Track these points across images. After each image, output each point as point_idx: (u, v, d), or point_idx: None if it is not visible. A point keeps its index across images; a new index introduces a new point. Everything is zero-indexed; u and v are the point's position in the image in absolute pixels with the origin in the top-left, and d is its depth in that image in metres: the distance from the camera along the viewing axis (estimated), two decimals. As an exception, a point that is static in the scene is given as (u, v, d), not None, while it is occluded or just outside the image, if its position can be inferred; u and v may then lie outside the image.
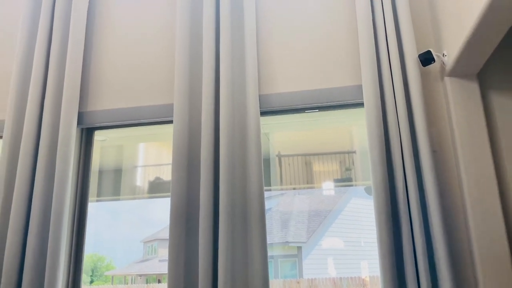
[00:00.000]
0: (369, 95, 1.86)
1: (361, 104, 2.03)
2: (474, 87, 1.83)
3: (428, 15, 2.04)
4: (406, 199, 1.77)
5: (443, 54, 1.84)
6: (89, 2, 2.39)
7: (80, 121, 2.21)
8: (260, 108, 2.04)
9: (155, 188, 2.49)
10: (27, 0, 2.35)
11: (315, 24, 2.14)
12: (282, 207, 2.91)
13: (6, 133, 2.15)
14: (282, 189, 2.61)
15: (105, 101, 2.22)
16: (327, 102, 2.01)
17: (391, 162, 1.83)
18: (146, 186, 2.50)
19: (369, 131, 1.84)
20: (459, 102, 1.82)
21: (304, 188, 2.55)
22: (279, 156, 2.62)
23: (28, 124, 2.12)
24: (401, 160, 1.81)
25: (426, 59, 1.84)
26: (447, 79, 1.86)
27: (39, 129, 2.14)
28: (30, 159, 2.09)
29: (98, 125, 2.21)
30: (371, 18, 1.97)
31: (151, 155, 2.60)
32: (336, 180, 2.55)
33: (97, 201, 2.47)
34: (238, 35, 2.10)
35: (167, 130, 2.29)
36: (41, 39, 2.24)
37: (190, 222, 1.92)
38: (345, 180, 2.57)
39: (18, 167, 2.07)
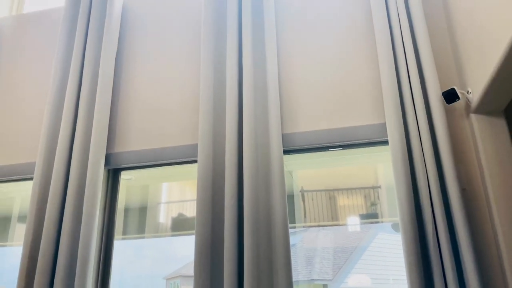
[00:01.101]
0: (394, 133, 1.85)
1: (385, 142, 2.01)
2: (501, 124, 1.80)
3: (450, 51, 2.04)
4: (436, 238, 1.72)
5: (468, 91, 1.83)
6: (118, 49, 2.49)
7: (107, 162, 2.26)
8: (283, 146, 2.05)
9: (179, 225, 2.50)
10: (59, 46, 2.47)
11: (336, 62, 2.16)
12: (306, 243, 2.87)
13: (37, 174, 2.22)
14: (306, 227, 2.58)
15: (132, 143, 2.27)
16: (351, 141, 2.00)
17: (419, 201, 1.80)
18: (170, 223, 2.51)
19: (395, 169, 1.82)
20: (487, 139, 1.78)
21: (329, 225, 2.51)
22: (302, 192, 2.60)
23: (57, 165, 2.18)
24: (429, 198, 1.77)
25: (450, 96, 1.82)
26: (473, 116, 1.83)
27: (68, 170, 2.20)
28: (58, 199, 2.14)
29: (124, 166, 2.25)
30: (393, 56, 1.98)
31: (175, 192, 2.63)
32: (362, 216, 2.50)
33: (123, 239, 2.49)
34: (260, 75, 2.14)
35: (192, 170, 2.32)
36: (72, 84, 2.33)
37: (215, 261, 1.91)
38: (370, 216, 2.52)
39: (47, 207, 2.12)
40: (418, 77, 1.91)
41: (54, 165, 2.19)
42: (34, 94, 2.56)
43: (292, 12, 2.34)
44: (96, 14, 2.50)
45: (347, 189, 2.56)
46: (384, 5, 2.10)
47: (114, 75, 2.42)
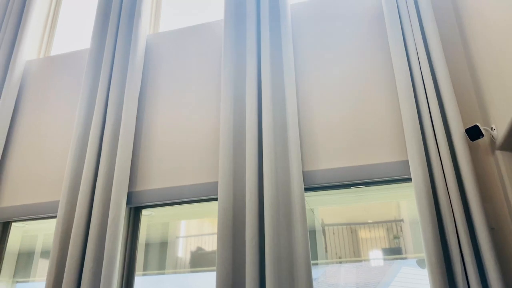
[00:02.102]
0: (417, 171, 1.82)
1: (408, 179, 1.98)
2: (528, 161, 1.76)
3: (472, 87, 2.02)
4: (466, 279, 1.67)
5: (492, 127, 1.80)
6: (140, 89, 2.55)
7: (129, 200, 2.28)
8: (304, 184, 2.03)
9: (199, 260, 2.48)
10: (84, 87, 2.55)
11: (356, 98, 2.16)
12: (328, 277, 2.81)
13: (60, 213, 2.25)
14: (328, 263, 2.53)
15: (153, 181, 2.29)
16: (373, 178, 1.98)
17: (446, 240, 1.75)
18: (190, 258, 2.50)
19: (419, 208, 1.78)
20: (514, 176, 1.74)
21: (351, 261, 2.46)
22: (323, 225, 2.56)
23: (80, 204, 2.21)
24: (456, 237, 1.73)
25: (474, 133, 1.79)
26: (498, 153, 1.80)
27: (90, 209, 2.23)
28: (81, 237, 2.16)
29: (146, 204, 2.27)
30: (413, 94, 1.97)
31: (195, 227, 2.62)
32: (385, 251, 2.45)
33: (143, 275, 2.48)
34: (279, 113, 2.15)
35: (212, 207, 2.32)
36: (96, 124, 2.39)
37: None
38: (394, 251, 2.46)
39: (70, 245, 2.14)
40: (439, 114, 1.89)
41: (77, 204, 2.22)
42: (58, 133, 2.63)
43: (310, 51, 2.36)
44: (120, 56, 2.57)
45: (369, 223, 2.52)
46: (402, 42, 2.10)
47: (137, 114, 2.47)
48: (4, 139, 2.65)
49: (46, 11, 3.30)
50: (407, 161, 1.95)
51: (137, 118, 2.47)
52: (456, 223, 1.74)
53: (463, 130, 1.83)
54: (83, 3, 3.37)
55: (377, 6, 2.35)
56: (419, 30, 2.10)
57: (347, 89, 2.19)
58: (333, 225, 2.53)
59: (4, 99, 2.71)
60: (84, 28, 3.23)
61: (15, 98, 2.76)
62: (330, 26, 2.38)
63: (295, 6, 2.51)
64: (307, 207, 2.18)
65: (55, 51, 3.21)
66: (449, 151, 1.82)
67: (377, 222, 2.48)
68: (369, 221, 2.53)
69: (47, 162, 2.56)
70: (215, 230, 2.35)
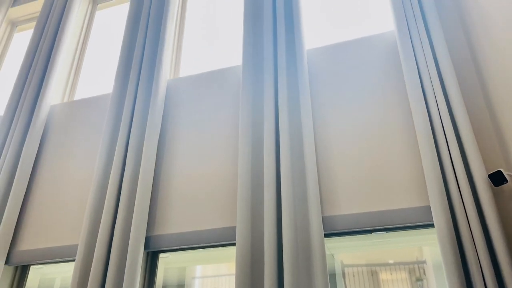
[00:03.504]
0: (440, 217, 1.78)
1: (431, 225, 1.93)
2: (556, 207, 1.70)
3: (492, 132, 1.99)
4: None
5: (516, 173, 1.76)
6: (160, 133, 2.60)
7: (146, 245, 2.27)
8: (324, 230, 2.00)
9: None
10: (105, 131, 2.61)
11: (374, 143, 2.16)
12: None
13: (78, 257, 2.25)
14: (349, 310, 2.45)
15: (171, 225, 2.29)
16: (394, 224, 1.94)
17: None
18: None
19: (443, 255, 1.73)
20: (542, 224, 1.68)
21: (372, 308, 2.37)
22: (343, 267, 2.50)
23: (99, 248, 2.21)
24: (483, 285, 1.66)
25: (497, 178, 1.76)
26: (524, 199, 1.75)
27: (108, 253, 2.23)
28: (99, 281, 2.15)
29: (164, 249, 2.26)
30: (432, 137, 1.96)
31: (212, 271, 2.59)
32: (409, 297, 2.36)
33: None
34: (298, 158, 2.15)
35: (231, 253, 2.29)
36: (116, 169, 2.43)
37: None
38: (417, 294, 2.38)
39: (87, 290, 2.13)
40: (461, 159, 1.86)
41: (96, 248, 2.22)
42: (79, 178, 2.67)
43: (327, 95, 2.38)
44: (141, 101, 2.64)
45: (390, 264, 2.45)
46: (420, 85, 2.11)
47: (156, 159, 2.50)
48: (26, 183, 2.70)
49: (72, 56, 3.45)
50: (429, 206, 1.91)
51: (156, 162, 2.51)
52: (483, 272, 1.68)
53: (486, 175, 1.79)
54: (107, 50, 3.51)
55: (392, 47, 2.38)
56: (436, 72, 2.10)
57: (365, 133, 2.19)
58: (353, 266, 2.47)
59: (28, 143, 2.79)
60: (107, 73, 3.34)
61: (38, 142, 2.84)
62: (346, 71, 2.41)
63: (311, 52, 2.56)
64: (327, 252, 2.14)
65: (78, 95, 3.32)
66: (472, 197, 1.78)
67: (399, 264, 2.41)
68: (390, 262, 2.46)
69: (67, 206, 2.59)
70: (233, 272, 2.31)
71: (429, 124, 1.99)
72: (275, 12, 2.69)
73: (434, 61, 2.17)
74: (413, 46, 2.24)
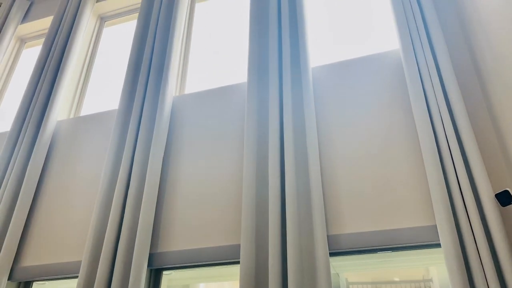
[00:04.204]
0: (446, 237, 1.76)
1: (437, 245, 1.91)
2: None
3: (499, 151, 1.98)
4: None
5: (523, 192, 1.74)
6: (165, 149, 2.61)
7: (150, 262, 2.26)
8: (329, 249, 1.98)
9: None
10: (111, 147, 2.61)
11: (379, 161, 2.15)
12: None
13: (82, 273, 2.24)
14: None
15: (174, 242, 2.28)
16: (400, 244, 1.91)
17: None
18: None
19: (451, 275, 1.70)
20: (551, 245, 1.65)
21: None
22: (348, 285, 2.47)
23: (102, 265, 2.20)
24: (492, 308, 1.63)
25: (504, 198, 1.74)
26: (532, 219, 1.73)
27: (111, 270, 2.21)
28: (101, 299, 2.13)
29: (167, 266, 2.24)
30: (438, 156, 1.95)
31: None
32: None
33: None
34: (302, 176, 2.14)
35: (234, 271, 2.27)
36: (120, 186, 2.43)
37: None
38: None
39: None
40: (467, 178, 1.85)
41: (99, 265, 2.21)
42: (83, 194, 2.67)
43: (332, 113, 2.38)
44: (147, 117, 2.65)
45: (396, 282, 2.42)
46: (425, 102, 2.11)
47: (160, 175, 2.50)
48: (31, 198, 2.71)
49: (79, 73, 3.49)
50: (435, 225, 1.88)
51: (160, 179, 2.50)
52: (491, 292, 1.65)
53: (492, 195, 1.78)
54: (113, 66, 3.55)
55: (397, 65, 2.39)
56: (442, 92, 2.10)
57: (370, 150, 2.19)
58: (358, 283, 2.43)
59: (34, 158, 2.80)
60: (113, 90, 3.37)
61: (44, 158, 2.85)
62: (351, 89, 2.42)
63: (316, 69, 2.57)
64: (332, 271, 2.11)
65: (85, 111, 3.35)
66: (479, 217, 1.76)
67: (405, 282, 2.38)
68: (396, 279, 2.43)
69: (71, 222, 2.58)
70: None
71: (435, 143, 1.98)
72: (280, 29, 2.71)
73: (440, 81, 2.17)
74: (418, 65, 2.25)
